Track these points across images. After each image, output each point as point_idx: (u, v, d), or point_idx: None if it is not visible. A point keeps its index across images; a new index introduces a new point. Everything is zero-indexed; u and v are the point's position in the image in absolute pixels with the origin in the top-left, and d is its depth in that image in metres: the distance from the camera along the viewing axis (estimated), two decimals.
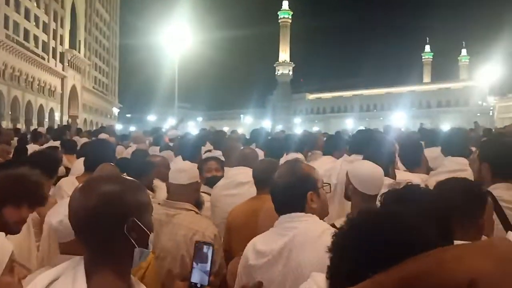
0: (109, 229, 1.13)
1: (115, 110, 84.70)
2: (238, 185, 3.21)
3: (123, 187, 1.18)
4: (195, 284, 1.42)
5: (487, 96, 57.46)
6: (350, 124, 58.93)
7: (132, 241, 1.15)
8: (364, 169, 2.40)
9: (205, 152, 5.20)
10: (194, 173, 2.68)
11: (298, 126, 69.23)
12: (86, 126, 55.13)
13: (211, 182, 3.54)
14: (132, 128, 39.51)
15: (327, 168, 3.47)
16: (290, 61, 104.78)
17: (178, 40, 30.23)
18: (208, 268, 1.45)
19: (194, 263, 1.46)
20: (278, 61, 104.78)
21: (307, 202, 1.84)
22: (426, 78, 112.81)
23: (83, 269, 1.13)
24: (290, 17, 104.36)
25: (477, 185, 1.90)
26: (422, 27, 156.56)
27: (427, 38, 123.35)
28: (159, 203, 2.62)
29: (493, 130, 9.77)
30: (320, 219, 1.88)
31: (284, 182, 1.89)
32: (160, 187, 3.41)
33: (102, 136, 7.79)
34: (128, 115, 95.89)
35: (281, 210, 1.87)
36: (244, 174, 3.19)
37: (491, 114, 53.07)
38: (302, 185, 1.86)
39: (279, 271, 1.74)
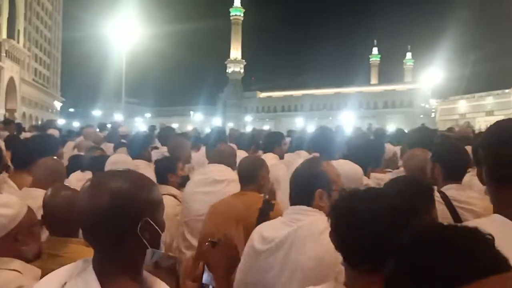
0: (122, 230, 1.08)
1: (57, 104, 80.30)
2: (213, 182, 3.20)
3: (136, 184, 1.12)
4: (207, 285, 1.45)
5: (429, 98, 60.42)
6: (300, 123, 59.82)
7: (145, 241, 1.10)
8: (346, 168, 2.44)
9: (152, 149, 5.08)
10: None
11: (249, 124, 69.30)
12: (26, 121, 51.81)
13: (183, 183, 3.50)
14: (76, 124, 37.59)
15: (271, 163, 3.47)
16: (241, 58, 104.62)
17: (125, 33, 28.99)
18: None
19: (206, 265, 1.46)
20: (229, 58, 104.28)
21: (314, 198, 1.90)
22: (374, 79, 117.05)
23: (93, 273, 1.08)
24: (242, 14, 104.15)
25: (422, 181, 2.02)
26: (371, 29, 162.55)
27: (375, 41, 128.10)
28: None
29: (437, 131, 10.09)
30: None
31: (297, 176, 2.00)
32: None
33: (51, 131, 7.28)
34: (72, 110, 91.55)
35: (293, 202, 1.95)
36: (220, 172, 3.22)
37: (433, 116, 55.88)
38: (312, 181, 1.93)
39: (280, 258, 1.83)
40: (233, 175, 3.21)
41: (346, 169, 2.39)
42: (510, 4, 46.60)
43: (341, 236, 1.32)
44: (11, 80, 58.95)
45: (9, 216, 1.71)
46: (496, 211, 1.26)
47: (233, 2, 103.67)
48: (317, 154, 3.13)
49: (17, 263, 1.68)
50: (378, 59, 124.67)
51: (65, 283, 1.07)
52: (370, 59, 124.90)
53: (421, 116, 61.54)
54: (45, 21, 74.55)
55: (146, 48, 55.69)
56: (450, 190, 2.32)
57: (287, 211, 1.96)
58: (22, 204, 1.80)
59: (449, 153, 2.49)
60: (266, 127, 41.15)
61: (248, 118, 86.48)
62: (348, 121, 54.60)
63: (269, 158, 4.02)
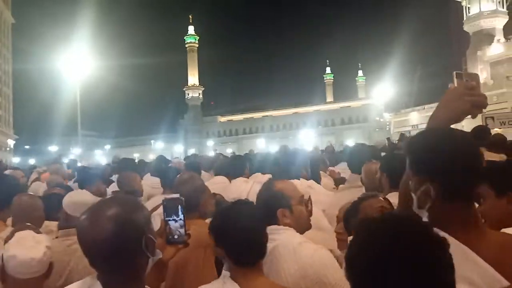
0: (130, 251, 1.20)
1: (11, 142, 77.03)
2: None
3: (128, 208, 1.23)
4: (176, 236, 1.43)
5: (383, 112, 62.84)
6: (262, 144, 60.44)
7: (148, 254, 1.24)
8: None
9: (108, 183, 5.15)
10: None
11: (211, 149, 69.22)
12: None
13: None
14: (32, 161, 36.21)
15: (241, 189, 3.47)
16: (199, 84, 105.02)
17: (78, 66, 28.58)
18: (183, 222, 1.46)
19: (172, 221, 1.45)
20: (187, 85, 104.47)
21: (278, 218, 1.96)
22: (329, 97, 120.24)
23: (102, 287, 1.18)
24: (197, 41, 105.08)
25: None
26: (323, 49, 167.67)
27: (327, 61, 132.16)
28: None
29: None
30: (301, 233, 2.00)
31: (257, 201, 2.07)
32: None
33: (11, 172, 7.13)
34: (27, 147, 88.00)
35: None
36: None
37: (388, 128, 58.02)
38: (272, 202, 2.00)
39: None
40: None
41: None
42: (455, 22, 50.01)
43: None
44: None
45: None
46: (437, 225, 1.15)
47: (187, 30, 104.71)
48: (269, 176, 3.24)
49: None
50: (332, 77, 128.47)
51: None
52: (325, 78, 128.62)
53: (377, 129, 63.81)
54: None
55: (101, 80, 54.95)
56: (393, 197, 2.47)
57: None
58: None
59: (394, 164, 2.69)
60: (228, 151, 41.30)
61: (210, 142, 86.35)
62: (308, 140, 55.80)
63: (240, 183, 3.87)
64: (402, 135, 13.27)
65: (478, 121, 9.73)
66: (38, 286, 1.79)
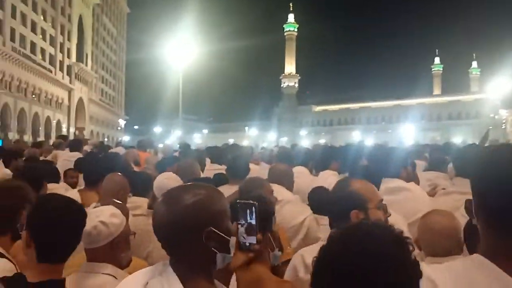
0: (189, 240, 1.21)
1: (122, 122, 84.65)
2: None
3: (202, 198, 1.24)
4: (244, 243, 1.37)
5: (499, 109, 56.54)
6: (357, 137, 58.25)
7: (213, 248, 1.23)
8: None
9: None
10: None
11: (304, 138, 68.68)
12: (93, 138, 54.98)
13: None
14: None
15: (328, 182, 3.32)
16: (296, 73, 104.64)
17: (182, 53, 29.95)
18: (256, 228, 1.38)
19: (239, 225, 1.37)
20: (283, 73, 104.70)
21: (350, 220, 1.78)
22: (436, 90, 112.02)
23: (174, 273, 1.20)
24: (296, 30, 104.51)
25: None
26: (431, 39, 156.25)
27: (437, 50, 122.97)
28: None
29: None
30: None
31: (330, 201, 1.96)
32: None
33: (117, 149, 7.98)
34: (136, 127, 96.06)
35: (332, 227, 1.87)
36: (279, 193, 2.98)
37: (503, 127, 52.13)
38: (345, 202, 1.84)
39: None
40: (289, 195, 3.09)
41: None
42: None
43: None
44: (80, 100, 63.07)
45: (116, 225, 1.89)
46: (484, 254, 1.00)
47: (287, 18, 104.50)
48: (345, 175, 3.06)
49: (112, 269, 1.84)
50: (441, 68, 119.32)
51: (146, 283, 1.18)
52: (432, 69, 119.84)
53: (490, 127, 57.58)
54: (110, 45, 79.39)
55: (203, 66, 57.36)
56: None
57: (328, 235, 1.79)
58: (123, 215, 1.98)
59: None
60: (322, 141, 40.44)
61: (303, 132, 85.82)
62: (408, 134, 52.32)
63: (328, 175, 3.84)
64: None
65: None
66: (98, 257, 1.85)
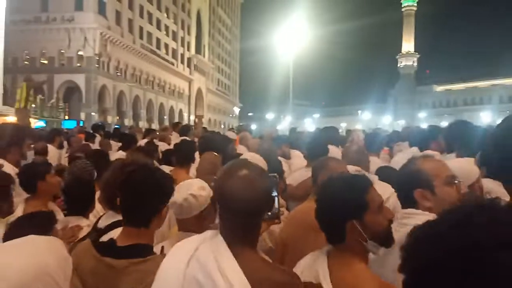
0: (260, 212, 1.34)
1: (236, 110, 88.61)
2: None
3: (256, 173, 1.33)
4: (266, 213, 1.46)
5: None
6: (487, 118, 52.30)
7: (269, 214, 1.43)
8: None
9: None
10: None
11: (423, 121, 63.95)
12: (211, 125, 58.52)
13: None
14: (253, 126, 40.70)
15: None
16: (414, 51, 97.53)
17: (294, 38, 29.96)
18: (276, 199, 1.51)
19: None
20: (401, 52, 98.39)
21: (416, 200, 1.74)
22: None
23: (223, 239, 1.29)
24: (415, 4, 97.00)
25: None
26: None
27: None
28: None
29: None
30: None
31: (396, 179, 1.92)
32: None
33: (228, 133, 8.48)
34: (250, 114, 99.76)
35: (401, 206, 1.83)
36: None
37: None
38: (408, 182, 1.78)
39: (392, 264, 1.56)
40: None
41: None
42: None
43: None
44: (199, 90, 67.57)
45: (204, 197, 2.00)
46: None
47: None
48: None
49: None
50: None
51: (196, 248, 1.28)
52: None
53: None
54: (225, 35, 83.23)
55: (315, 50, 56.81)
56: None
57: (396, 216, 1.75)
58: (209, 188, 2.06)
59: None
60: (444, 124, 37.09)
61: (422, 114, 79.99)
62: None
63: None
64: None
65: None
66: (188, 227, 1.97)
